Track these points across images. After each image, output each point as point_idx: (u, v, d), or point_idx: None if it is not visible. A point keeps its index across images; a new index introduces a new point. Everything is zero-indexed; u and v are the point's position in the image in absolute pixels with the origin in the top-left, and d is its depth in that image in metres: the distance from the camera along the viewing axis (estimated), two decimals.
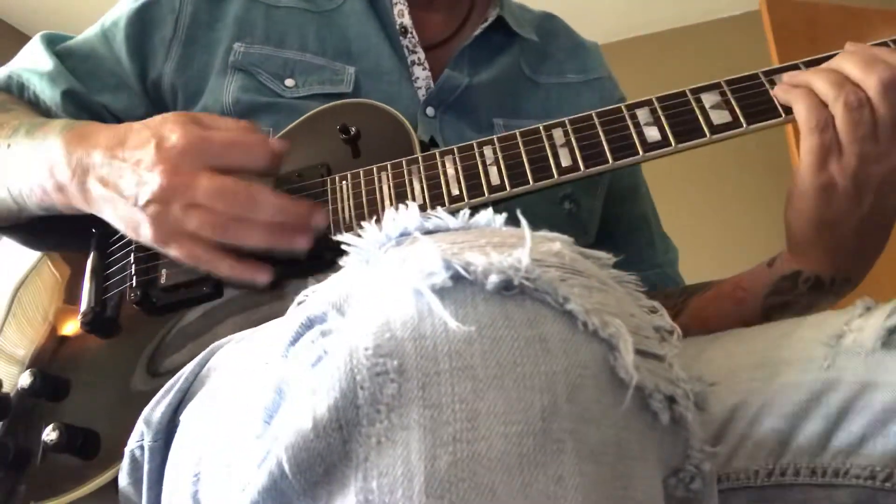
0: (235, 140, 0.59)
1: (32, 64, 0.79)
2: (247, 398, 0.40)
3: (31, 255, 0.74)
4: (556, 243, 0.35)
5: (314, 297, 0.38)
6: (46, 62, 0.78)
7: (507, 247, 0.34)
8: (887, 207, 0.61)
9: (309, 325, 0.35)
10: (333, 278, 0.39)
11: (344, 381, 0.30)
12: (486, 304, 0.32)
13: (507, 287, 0.32)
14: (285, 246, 0.59)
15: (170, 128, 0.59)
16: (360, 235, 0.39)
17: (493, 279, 0.32)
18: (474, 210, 0.39)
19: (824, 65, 0.61)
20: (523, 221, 0.35)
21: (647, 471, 0.32)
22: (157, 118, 0.62)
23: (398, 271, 0.34)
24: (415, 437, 0.29)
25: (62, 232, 0.68)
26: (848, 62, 0.59)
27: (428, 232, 0.37)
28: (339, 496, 0.30)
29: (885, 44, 0.61)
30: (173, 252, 0.59)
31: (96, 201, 0.61)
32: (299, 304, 0.40)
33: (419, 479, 0.29)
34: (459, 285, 0.32)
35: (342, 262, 0.40)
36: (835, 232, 0.62)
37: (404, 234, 0.37)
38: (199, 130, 0.59)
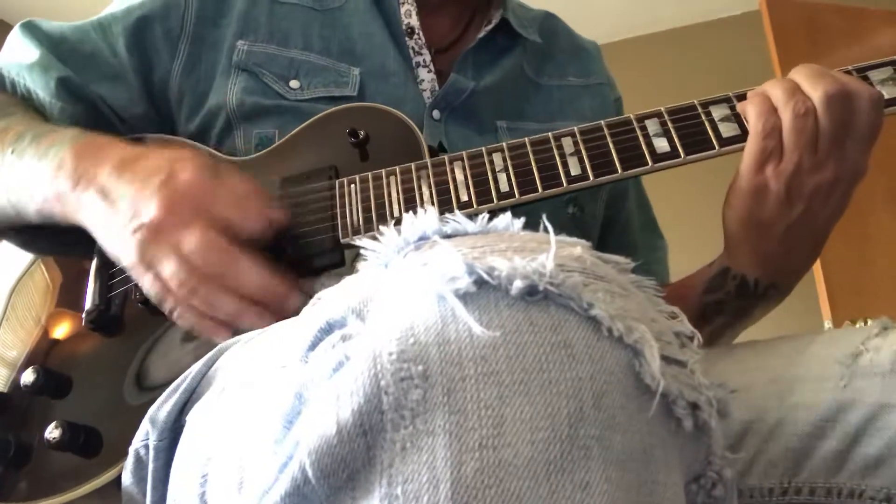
0: (238, 199, 0.59)
1: (19, 57, 0.76)
2: (261, 402, 0.39)
3: (24, 258, 0.73)
4: (577, 248, 0.35)
5: (331, 300, 0.37)
6: (32, 52, 0.75)
7: (527, 251, 0.34)
8: (817, 221, 0.63)
9: (328, 329, 0.35)
10: (350, 281, 0.38)
11: (368, 386, 0.30)
12: (511, 310, 0.31)
13: (531, 292, 0.32)
14: (250, 323, 0.58)
15: (184, 165, 0.59)
16: (377, 239, 0.38)
17: (518, 284, 0.31)
18: (492, 214, 0.39)
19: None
20: (548, 226, 0.35)
21: (671, 477, 0.32)
22: (177, 150, 0.61)
23: (420, 276, 0.33)
24: (440, 443, 0.29)
25: (61, 236, 0.67)
26: (800, 74, 0.62)
27: (446, 236, 0.37)
28: (363, 502, 0.30)
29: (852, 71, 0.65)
30: (147, 283, 0.58)
31: (91, 213, 0.61)
32: (313, 306, 0.39)
33: (445, 486, 0.28)
34: (483, 290, 0.32)
35: (359, 265, 0.39)
36: (762, 234, 0.64)
37: (423, 238, 0.37)
38: (210, 179, 0.59)
